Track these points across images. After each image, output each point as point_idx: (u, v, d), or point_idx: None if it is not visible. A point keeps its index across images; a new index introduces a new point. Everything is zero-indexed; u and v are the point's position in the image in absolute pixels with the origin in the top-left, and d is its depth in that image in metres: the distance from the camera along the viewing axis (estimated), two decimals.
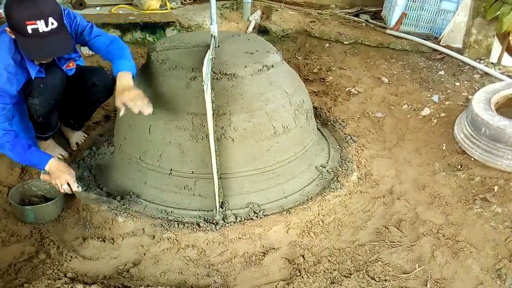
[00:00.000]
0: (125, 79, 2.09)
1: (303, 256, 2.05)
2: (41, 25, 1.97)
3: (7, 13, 1.98)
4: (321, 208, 2.25)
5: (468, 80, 3.44)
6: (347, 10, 4.95)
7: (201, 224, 2.10)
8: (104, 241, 2.10)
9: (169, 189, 2.22)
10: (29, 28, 1.96)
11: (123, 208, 2.17)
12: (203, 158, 2.13)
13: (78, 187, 2.18)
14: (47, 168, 2.14)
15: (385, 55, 3.94)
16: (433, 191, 2.45)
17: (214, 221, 2.11)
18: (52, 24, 2.00)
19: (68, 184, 2.15)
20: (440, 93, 3.30)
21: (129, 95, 2.02)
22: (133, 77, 2.12)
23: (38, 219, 2.19)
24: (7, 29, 2.04)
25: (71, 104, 2.57)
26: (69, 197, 2.33)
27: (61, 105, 2.52)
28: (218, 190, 2.09)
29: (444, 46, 3.89)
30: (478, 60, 3.62)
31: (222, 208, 2.16)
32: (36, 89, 2.24)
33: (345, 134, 2.90)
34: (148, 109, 2.02)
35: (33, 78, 2.19)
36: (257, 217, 2.15)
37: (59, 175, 2.14)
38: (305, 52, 4.13)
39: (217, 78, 2.13)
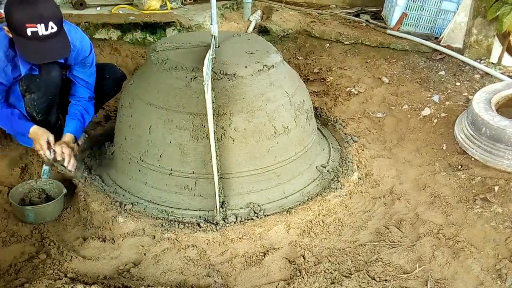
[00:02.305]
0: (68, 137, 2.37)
1: (303, 256, 2.05)
2: (41, 29, 1.98)
3: (7, 13, 1.98)
4: (322, 208, 2.25)
5: (468, 80, 3.44)
6: (348, 10, 4.95)
7: (201, 224, 2.10)
8: (105, 241, 2.10)
9: (170, 189, 2.22)
10: (29, 31, 1.97)
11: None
12: (203, 158, 2.13)
13: (50, 154, 2.27)
14: (30, 135, 2.28)
15: (385, 55, 3.93)
16: (433, 191, 2.45)
17: (215, 221, 2.11)
18: (52, 28, 2.02)
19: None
20: (440, 93, 3.30)
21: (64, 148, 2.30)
22: (77, 136, 2.43)
23: (39, 219, 2.19)
24: (5, 28, 2.04)
25: None
26: (70, 197, 2.34)
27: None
28: (219, 190, 2.09)
29: (444, 46, 3.88)
30: (478, 60, 3.61)
31: (223, 208, 2.16)
32: (33, 84, 2.25)
33: (345, 134, 2.90)
34: (71, 166, 2.29)
35: (22, 75, 2.21)
36: (257, 217, 2.15)
37: (36, 140, 2.28)
38: (306, 52, 4.13)
39: (217, 78, 2.13)
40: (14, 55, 2.15)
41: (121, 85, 2.79)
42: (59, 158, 2.26)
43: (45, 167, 2.37)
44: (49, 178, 2.36)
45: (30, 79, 2.24)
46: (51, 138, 2.31)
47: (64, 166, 2.29)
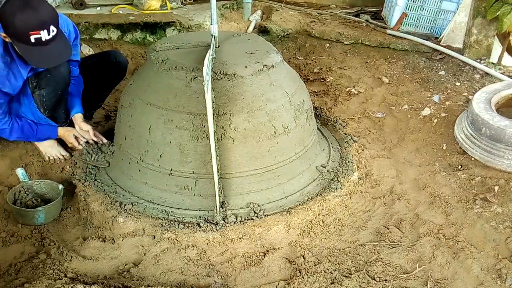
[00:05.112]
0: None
1: (303, 256, 2.05)
2: (44, 35, 1.99)
3: (6, 21, 1.95)
4: (322, 208, 2.25)
5: (468, 80, 3.44)
6: (348, 10, 4.95)
7: (201, 224, 2.10)
8: (105, 241, 2.10)
9: (170, 189, 2.22)
10: (32, 38, 1.96)
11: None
12: (203, 158, 2.13)
13: (83, 147, 2.54)
14: (59, 135, 2.53)
15: (385, 55, 3.94)
16: (433, 191, 2.45)
17: (215, 221, 2.11)
18: (53, 31, 2.03)
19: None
20: (440, 93, 3.30)
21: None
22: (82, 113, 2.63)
23: (48, 218, 2.18)
24: (2, 34, 2.02)
25: (86, 89, 2.60)
26: (70, 197, 2.34)
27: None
28: (219, 190, 2.09)
29: (444, 46, 3.88)
30: (478, 60, 3.62)
31: (223, 208, 2.16)
32: (43, 80, 2.27)
33: (345, 134, 2.90)
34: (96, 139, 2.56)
35: (25, 78, 2.23)
36: (257, 217, 2.15)
37: (67, 141, 2.55)
38: (306, 52, 4.13)
39: (217, 78, 2.13)
40: (11, 60, 2.14)
41: (126, 69, 2.84)
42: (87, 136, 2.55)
43: (19, 170, 2.33)
44: (28, 179, 2.33)
45: (40, 75, 2.25)
46: (76, 133, 2.54)
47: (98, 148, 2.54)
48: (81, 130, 2.53)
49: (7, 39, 2.04)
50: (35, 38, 1.96)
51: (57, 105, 2.42)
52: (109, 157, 2.50)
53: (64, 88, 2.39)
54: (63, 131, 2.53)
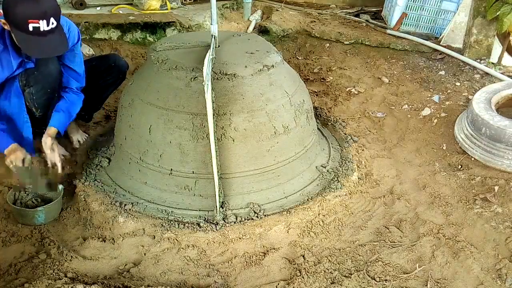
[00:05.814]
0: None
1: (303, 256, 2.05)
2: (42, 25, 1.98)
3: (7, 8, 1.97)
4: (322, 208, 2.25)
5: (468, 80, 3.44)
6: (348, 10, 4.96)
7: (201, 224, 2.10)
8: (105, 241, 2.10)
9: (170, 189, 2.22)
10: (31, 26, 1.97)
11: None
12: (203, 158, 2.13)
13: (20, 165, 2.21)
14: (6, 151, 2.18)
15: (385, 55, 3.94)
16: (433, 191, 2.45)
17: (215, 221, 2.11)
18: (52, 24, 2.02)
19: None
20: (440, 93, 3.30)
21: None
22: (61, 130, 2.38)
23: (48, 218, 2.18)
24: (2, 20, 2.03)
25: (85, 91, 2.59)
26: (70, 197, 2.34)
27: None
28: (219, 190, 2.09)
29: (444, 46, 3.89)
30: (478, 60, 3.62)
31: (223, 208, 2.16)
32: (31, 77, 2.25)
33: (345, 134, 2.90)
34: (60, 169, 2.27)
35: (14, 69, 2.20)
36: (257, 217, 2.15)
37: (12, 158, 2.18)
38: (306, 52, 4.13)
39: (217, 78, 2.13)
40: (3, 48, 2.13)
41: (126, 73, 2.82)
42: (49, 162, 2.27)
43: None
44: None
45: (28, 72, 2.24)
46: (27, 158, 2.22)
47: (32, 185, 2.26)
48: (48, 149, 2.25)
49: (6, 27, 2.04)
50: (33, 27, 1.97)
51: (49, 104, 2.40)
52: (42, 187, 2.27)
53: (53, 86, 2.36)
54: (16, 148, 2.19)
